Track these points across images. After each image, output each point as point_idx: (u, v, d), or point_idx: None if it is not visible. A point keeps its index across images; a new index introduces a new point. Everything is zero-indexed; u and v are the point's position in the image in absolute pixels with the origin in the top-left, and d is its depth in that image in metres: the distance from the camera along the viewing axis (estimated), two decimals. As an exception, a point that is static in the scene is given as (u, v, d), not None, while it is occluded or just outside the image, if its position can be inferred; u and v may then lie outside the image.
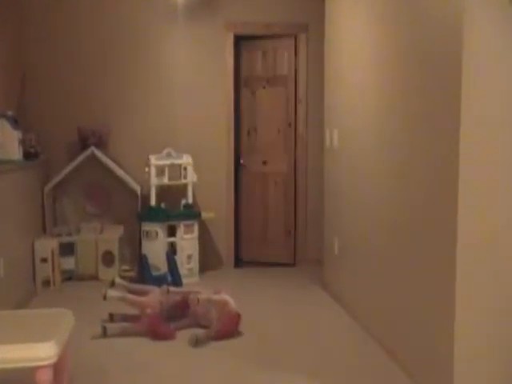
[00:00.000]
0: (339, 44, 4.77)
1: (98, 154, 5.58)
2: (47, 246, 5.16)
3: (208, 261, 5.94)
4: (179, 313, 4.20)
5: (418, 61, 3.20)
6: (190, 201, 5.60)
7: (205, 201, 5.95)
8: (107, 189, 5.85)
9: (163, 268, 5.34)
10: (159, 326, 3.99)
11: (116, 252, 5.49)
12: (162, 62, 5.92)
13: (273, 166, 6.17)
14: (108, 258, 5.48)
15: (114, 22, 5.81)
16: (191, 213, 5.55)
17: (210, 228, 6.05)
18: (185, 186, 5.61)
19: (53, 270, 5.17)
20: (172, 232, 5.51)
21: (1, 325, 2.78)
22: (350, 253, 4.53)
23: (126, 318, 4.23)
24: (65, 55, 5.77)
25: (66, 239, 5.46)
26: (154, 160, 5.45)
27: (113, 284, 4.34)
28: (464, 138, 2.71)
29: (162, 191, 5.61)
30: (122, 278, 5.01)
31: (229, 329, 3.99)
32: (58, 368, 2.71)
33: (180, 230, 5.48)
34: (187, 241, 5.50)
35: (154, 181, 5.47)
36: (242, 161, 6.17)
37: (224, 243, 6.11)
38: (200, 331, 3.95)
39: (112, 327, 4.04)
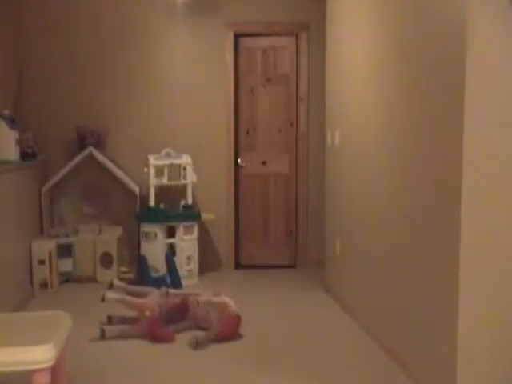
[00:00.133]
0: (341, 43, 4.76)
1: (97, 153, 5.57)
2: (44, 247, 5.15)
3: (208, 262, 5.93)
4: (179, 315, 4.19)
5: (420, 60, 3.20)
6: (190, 201, 5.60)
7: (204, 201, 5.95)
8: (105, 189, 5.84)
9: (162, 269, 5.34)
10: (158, 329, 3.98)
11: (114, 253, 5.48)
12: (161, 61, 5.92)
13: (273, 166, 6.17)
14: (106, 260, 5.47)
15: (113, 20, 5.81)
16: (191, 214, 5.55)
17: (210, 229, 6.04)
18: (184, 187, 5.60)
19: (50, 271, 5.16)
20: (171, 233, 5.50)
21: (-2, 327, 2.77)
22: (351, 254, 4.52)
23: (124, 320, 4.23)
24: (63, 53, 5.77)
25: (63, 241, 5.45)
26: (153, 160, 5.45)
27: (111, 286, 4.34)
28: (467, 137, 2.70)
29: (161, 192, 5.61)
30: (121, 279, 4.99)
31: (229, 331, 3.99)
32: (55, 371, 2.70)
33: (179, 231, 5.47)
34: (187, 242, 5.49)
35: (153, 181, 5.46)
36: (239, 161, 6.14)
37: (224, 244, 6.11)
38: (200, 334, 3.94)
39: (110, 330, 4.03)
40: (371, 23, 4.03)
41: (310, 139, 6.12)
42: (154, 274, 5.26)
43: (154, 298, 4.16)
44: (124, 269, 5.63)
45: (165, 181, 5.50)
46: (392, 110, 3.64)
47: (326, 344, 3.97)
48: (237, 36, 6.00)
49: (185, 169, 5.54)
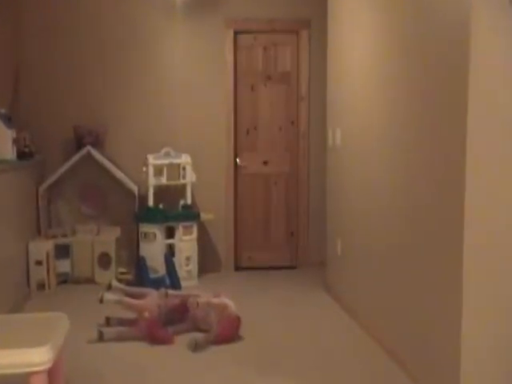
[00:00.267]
0: (342, 40, 4.76)
1: (95, 153, 5.57)
2: (42, 248, 5.15)
3: (207, 263, 5.92)
4: (178, 316, 4.19)
5: (423, 57, 3.19)
6: (189, 201, 5.59)
7: (204, 201, 5.94)
8: (103, 189, 5.84)
9: (161, 270, 5.33)
10: (157, 330, 3.97)
11: (113, 254, 5.48)
12: (160, 59, 5.91)
13: (274, 165, 6.16)
14: (104, 261, 5.47)
15: (111, 19, 5.81)
16: (190, 214, 5.54)
17: (210, 229, 6.04)
18: (183, 187, 5.60)
19: (48, 272, 5.16)
20: (170, 233, 5.49)
21: (-6, 329, 2.77)
22: (353, 254, 4.52)
23: (123, 321, 4.22)
24: (61, 51, 5.77)
25: (61, 241, 5.44)
26: (151, 159, 5.44)
27: (109, 287, 4.34)
28: (470, 135, 2.70)
29: (160, 191, 5.60)
30: (119, 280, 5.00)
31: (229, 333, 3.98)
32: (52, 373, 2.69)
33: (178, 232, 5.46)
34: (186, 242, 5.49)
35: (152, 181, 5.45)
36: (238, 160, 6.12)
37: (224, 245, 6.10)
38: (199, 335, 3.94)
39: (109, 331, 4.03)
40: (373, 20, 4.03)
41: (311, 138, 6.12)
42: (152, 275, 5.26)
43: (152, 300, 4.15)
44: (122, 270, 5.63)
45: (164, 180, 5.50)
46: (394, 108, 3.64)
47: (326, 345, 3.97)
48: (237, 33, 5.99)
49: (184, 168, 5.53)
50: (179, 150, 5.64)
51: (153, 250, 5.35)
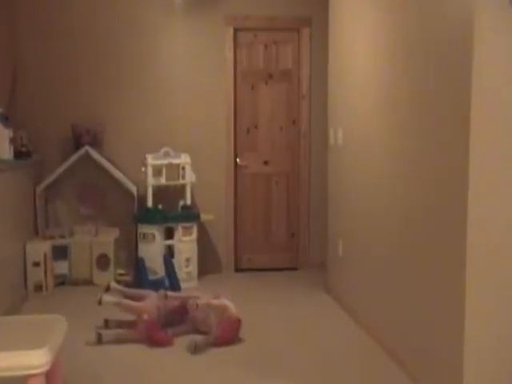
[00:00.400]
0: (344, 38, 4.76)
1: (93, 153, 5.57)
2: (39, 249, 5.16)
3: (207, 264, 5.93)
4: (177, 318, 4.19)
5: (425, 56, 3.19)
6: (189, 202, 5.59)
7: (204, 202, 5.94)
8: (102, 189, 5.84)
9: (160, 272, 5.34)
10: (156, 333, 3.97)
11: (111, 255, 5.48)
12: (159, 57, 5.92)
13: (274, 165, 6.16)
14: (103, 262, 5.47)
15: (110, 16, 5.81)
16: (190, 214, 5.54)
17: (210, 230, 6.04)
18: (183, 187, 5.60)
19: (45, 274, 5.16)
20: (170, 234, 5.50)
21: (-9, 331, 2.77)
22: (354, 254, 4.52)
23: (121, 324, 4.22)
24: (59, 50, 5.77)
25: (58, 242, 5.45)
26: (150, 159, 5.44)
27: (108, 289, 4.34)
28: (473, 135, 2.70)
29: (160, 192, 5.60)
30: (118, 282, 5.00)
31: (229, 335, 3.98)
32: (50, 376, 2.70)
33: (178, 233, 5.47)
34: (185, 243, 5.49)
35: (151, 181, 5.45)
36: (238, 160, 6.13)
37: (224, 246, 6.10)
38: (199, 337, 3.94)
39: (107, 334, 4.03)
40: (375, 18, 4.03)
41: (313, 137, 6.12)
42: (151, 277, 5.26)
43: (151, 301, 4.15)
44: (121, 271, 5.63)
45: (163, 181, 5.50)
46: (396, 107, 3.64)
47: (326, 346, 3.98)
48: (236, 31, 5.99)
49: (183, 168, 5.53)
50: (178, 149, 5.65)
51: (152, 251, 5.36)
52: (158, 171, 5.47)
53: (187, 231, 5.50)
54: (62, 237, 5.53)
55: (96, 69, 5.82)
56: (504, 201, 2.76)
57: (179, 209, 5.56)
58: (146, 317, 4.03)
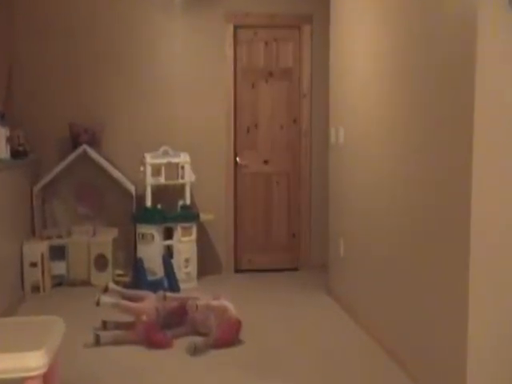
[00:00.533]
0: (345, 36, 4.76)
1: (91, 152, 5.57)
2: (36, 249, 5.15)
3: (207, 265, 5.93)
4: (176, 320, 4.19)
5: (428, 54, 3.19)
6: (188, 202, 5.59)
7: (203, 202, 5.95)
8: (100, 189, 5.84)
9: (159, 272, 5.34)
10: (155, 334, 3.98)
11: (109, 256, 5.48)
12: (158, 55, 5.92)
13: (275, 164, 6.16)
14: (101, 262, 5.47)
15: (108, 14, 5.81)
16: (189, 214, 5.54)
17: (209, 230, 6.04)
18: (182, 186, 5.60)
19: (42, 274, 5.16)
20: (169, 234, 5.50)
21: (-12, 333, 2.77)
22: (355, 254, 4.53)
23: (120, 325, 4.23)
24: (56, 48, 5.77)
25: (56, 242, 5.45)
26: (149, 158, 5.44)
27: (106, 289, 4.33)
28: (477, 136, 2.71)
29: (159, 191, 5.60)
30: (116, 283, 5.00)
31: (229, 336, 3.99)
32: (48, 378, 2.70)
33: (177, 233, 5.47)
34: (185, 244, 5.49)
35: (150, 180, 5.45)
36: (238, 159, 6.13)
37: (224, 246, 6.11)
38: (198, 339, 3.94)
39: (105, 335, 4.03)
40: (377, 16, 4.03)
41: (313, 136, 6.12)
42: (150, 277, 5.26)
43: (150, 302, 4.16)
44: (119, 272, 5.63)
45: (162, 180, 5.50)
46: (398, 107, 3.64)
47: (326, 346, 4.00)
48: (236, 28, 5.99)
49: (183, 168, 5.53)
50: (178, 148, 5.65)
51: (151, 252, 5.36)
52: (156, 170, 5.47)
53: (186, 231, 5.50)
54: (60, 237, 5.53)
55: (94, 67, 5.82)
56: (507, 201, 2.76)
57: (178, 209, 5.56)
58: (144, 318, 4.03)
